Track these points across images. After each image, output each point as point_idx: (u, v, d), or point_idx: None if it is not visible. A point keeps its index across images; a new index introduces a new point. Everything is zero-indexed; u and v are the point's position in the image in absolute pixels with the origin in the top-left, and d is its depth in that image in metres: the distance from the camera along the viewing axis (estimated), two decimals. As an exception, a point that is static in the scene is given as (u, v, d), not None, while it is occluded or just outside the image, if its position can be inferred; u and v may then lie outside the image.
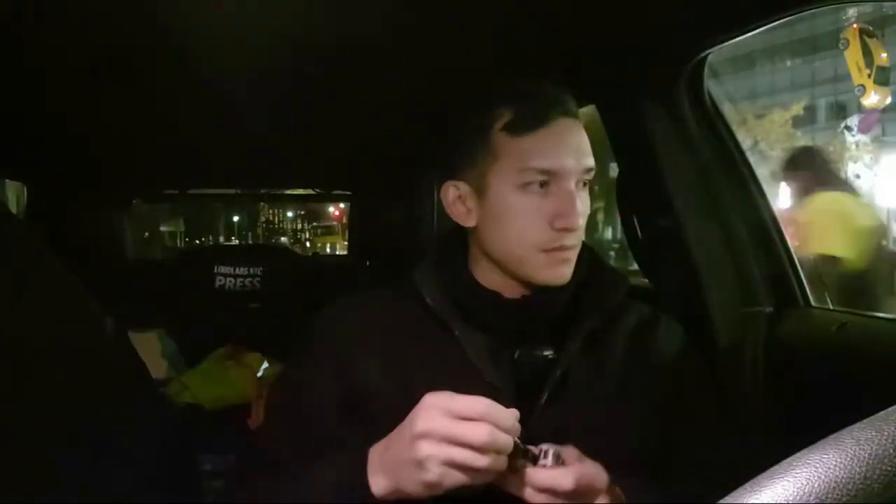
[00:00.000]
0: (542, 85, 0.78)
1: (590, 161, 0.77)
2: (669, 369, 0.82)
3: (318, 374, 0.80)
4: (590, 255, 0.84)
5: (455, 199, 0.81)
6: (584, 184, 0.78)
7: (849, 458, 0.27)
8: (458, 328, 0.78)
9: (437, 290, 0.80)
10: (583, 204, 0.77)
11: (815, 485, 0.27)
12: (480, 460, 0.60)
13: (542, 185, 0.75)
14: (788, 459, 0.28)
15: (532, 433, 0.74)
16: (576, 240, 0.77)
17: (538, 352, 0.78)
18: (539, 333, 0.79)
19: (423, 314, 0.80)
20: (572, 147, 0.76)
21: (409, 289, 0.81)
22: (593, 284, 0.82)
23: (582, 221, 0.77)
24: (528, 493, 0.63)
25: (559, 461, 0.64)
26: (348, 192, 3.41)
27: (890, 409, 0.29)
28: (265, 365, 2.16)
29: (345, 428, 0.77)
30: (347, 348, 0.80)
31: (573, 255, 0.78)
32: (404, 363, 0.78)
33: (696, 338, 0.89)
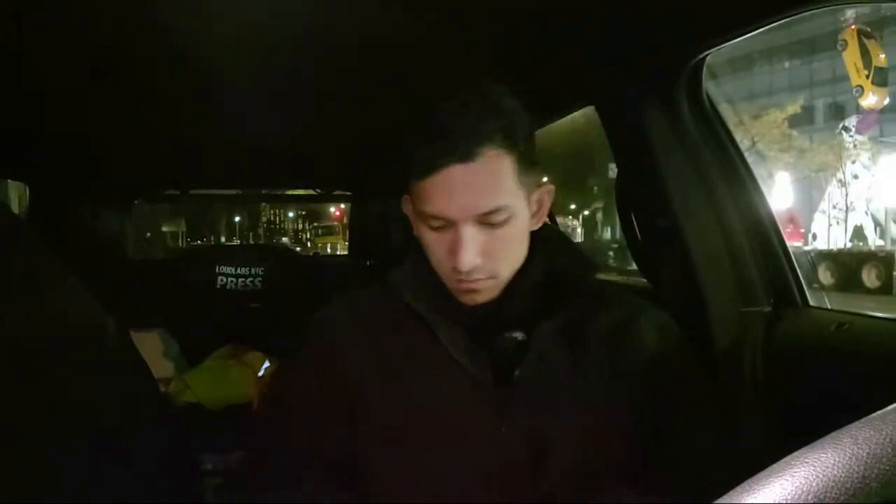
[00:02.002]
0: (450, 124, 0.74)
1: (489, 203, 0.74)
2: (648, 356, 0.82)
3: (308, 370, 0.85)
4: (560, 243, 0.87)
5: (409, 212, 0.84)
6: (504, 221, 0.75)
7: (847, 458, 0.27)
8: (434, 322, 0.81)
9: (413, 287, 0.84)
10: (492, 240, 0.76)
11: (814, 484, 0.27)
12: None
13: (442, 226, 0.77)
14: (787, 458, 0.28)
15: (508, 421, 0.77)
16: (481, 273, 0.77)
17: (509, 336, 0.80)
18: (510, 326, 0.81)
19: (405, 309, 0.83)
20: (460, 195, 0.74)
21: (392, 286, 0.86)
22: (561, 274, 0.85)
23: (480, 260, 0.76)
24: None
25: None
26: (349, 193, 3.41)
27: (888, 408, 0.30)
28: (266, 364, 2.17)
29: (334, 421, 0.81)
30: (334, 344, 0.84)
31: (483, 286, 0.78)
32: (389, 357, 0.82)
33: (695, 337, 0.89)
